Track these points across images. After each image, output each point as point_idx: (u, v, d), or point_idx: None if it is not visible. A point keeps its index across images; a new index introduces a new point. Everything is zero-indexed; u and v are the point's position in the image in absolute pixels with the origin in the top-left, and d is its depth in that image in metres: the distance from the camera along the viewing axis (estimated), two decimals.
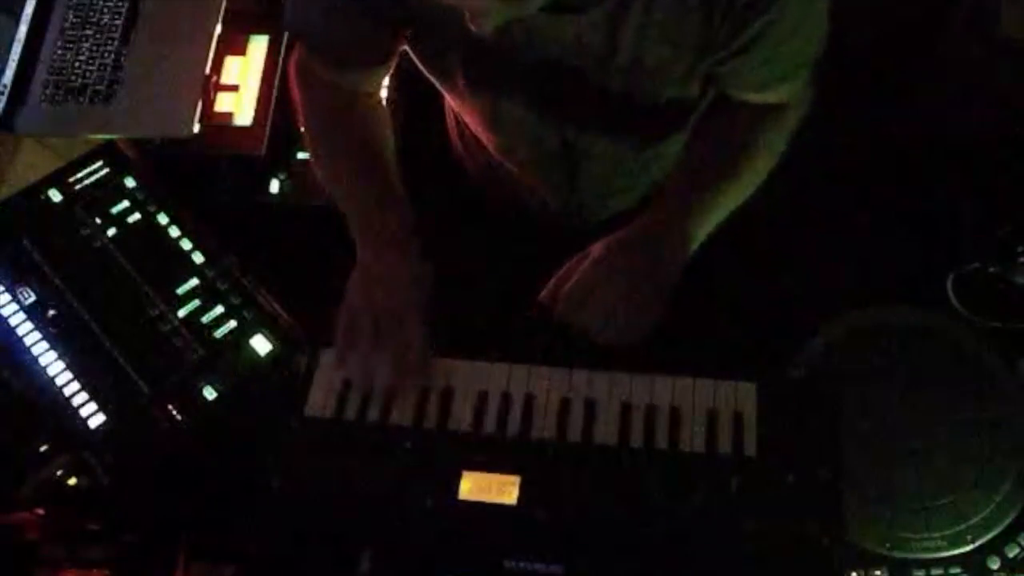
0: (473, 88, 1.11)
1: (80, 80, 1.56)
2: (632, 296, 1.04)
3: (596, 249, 1.09)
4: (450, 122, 1.36)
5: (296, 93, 1.23)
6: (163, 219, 1.33)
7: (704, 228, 1.09)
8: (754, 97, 1.09)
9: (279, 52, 1.55)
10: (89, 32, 1.60)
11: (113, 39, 1.59)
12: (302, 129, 1.24)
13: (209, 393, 1.20)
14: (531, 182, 1.28)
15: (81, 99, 1.54)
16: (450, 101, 1.25)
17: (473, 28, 0.86)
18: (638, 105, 1.07)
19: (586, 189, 1.26)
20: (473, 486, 0.99)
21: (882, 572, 1.03)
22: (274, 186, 1.46)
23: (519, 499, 0.98)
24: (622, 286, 1.04)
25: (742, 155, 1.11)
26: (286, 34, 1.55)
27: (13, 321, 1.25)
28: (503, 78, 1.07)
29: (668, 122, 1.16)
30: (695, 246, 1.09)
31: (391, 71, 1.19)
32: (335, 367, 1.08)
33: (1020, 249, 1.23)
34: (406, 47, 1.13)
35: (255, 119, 1.51)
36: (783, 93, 1.08)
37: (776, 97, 1.09)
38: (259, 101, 1.52)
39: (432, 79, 1.18)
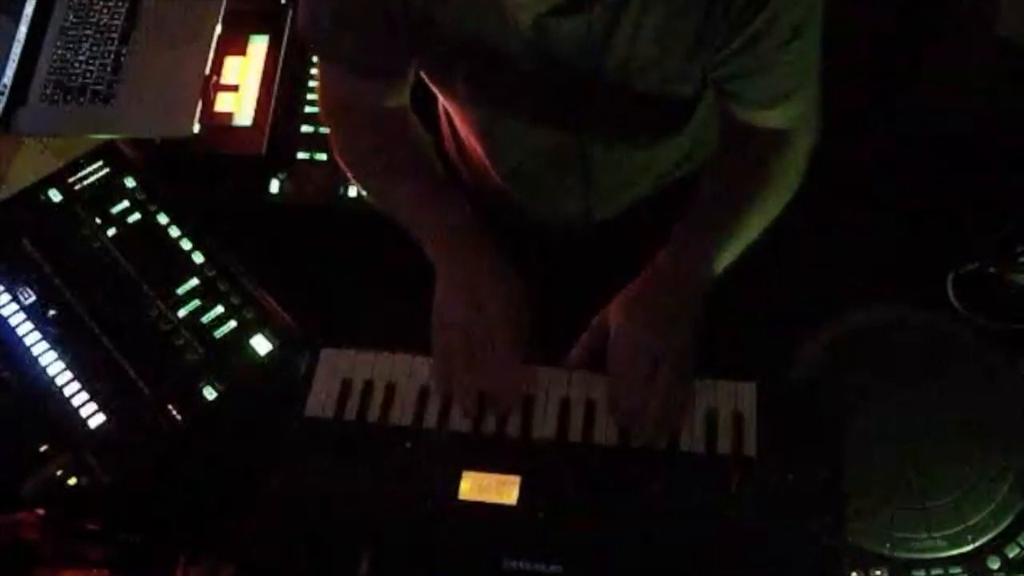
0: (474, 94, 1.10)
1: (80, 80, 1.56)
2: (668, 357, 1.01)
3: (615, 315, 1.05)
4: (444, 127, 1.36)
5: (331, 131, 1.22)
6: (163, 219, 1.33)
7: (720, 264, 1.07)
8: (759, 118, 1.07)
9: (279, 52, 1.55)
10: (89, 32, 1.60)
11: (113, 39, 1.59)
12: (343, 164, 1.22)
13: (209, 393, 1.20)
14: (531, 185, 1.28)
15: (81, 99, 1.54)
16: (448, 108, 1.25)
17: (511, 23, 0.85)
18: (635, 102, 1.07)
19: (592, 187, 1.26)
20: (473, 486, 0.99)
21: (882, 572, 1.03)
22: (274, 186, 1.46)
23: (519, 499, 0.97)
24: (653, 349, 1.01)
25: (753, 187, 1.09)
26: (287, 35, 1.55)
27: (13, 321, 1.25)
28: (505, 82, 1.07)
29: (668, 120, 1.16)
30: (712, 281, 1.07)
31: (410, 82, 1.17)
32: (436, 389, 1.05)
33: (1020, 249, 1.23)
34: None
35: (255, 119, 1.51)
36: (787, 115, 1.07)
37: (780, 119, 1.07)
38: (259, 101, 1.52)
39: (434, 88, 1.17)
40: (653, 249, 1.09)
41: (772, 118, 1.07)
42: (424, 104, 1.24)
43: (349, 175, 1.23)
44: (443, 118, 1.34)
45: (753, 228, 1.09)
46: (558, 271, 1.18)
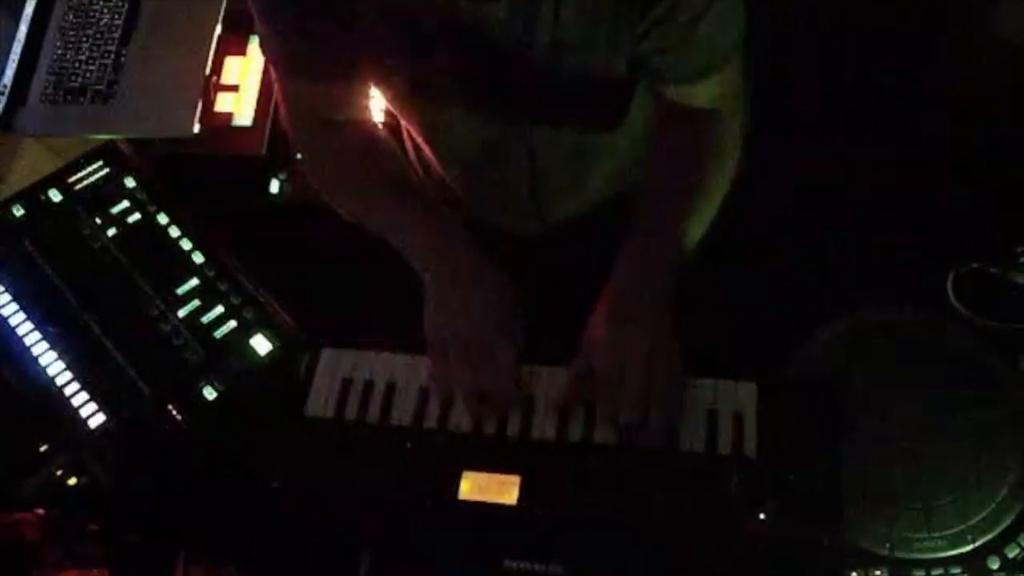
0: (414, 92, 1.10)
1: (80, 80, 1.56)
2: (659, 355, 1.00)
3: (597, 329, 1.04)
4: (406, 140, 1.35)
5: (304, 158, 1.21)
6: (163, 219, 1.33)
7: (685, 251, 1.07)
8: (685, 95, 1.09)
9: None
10: (89, 32, 1.60)
11: (113, 39, 1.59)
12: (316, 184, 1.21)
13: (209, 393, 1.20)
14: (480, 183, 1.27)
15: (81, 99, 1.55)
16: (392, 110, 1.24)
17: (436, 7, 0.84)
18: (568, 86, 1.07)
19: (542, 184, 1.25)
20: (473, 486, 0.99)
21: (882, 572, 1.03)
22: (274, 186, 1.46)
23: (519, 499, 0.97)
24: (643, 352, 1.00)
25: (697, 168, 1.10)
26: None
27: (13, 321, 1.25)
28: (433, 71, 1.06)
29: (606, 105, 1.16)
30: (680, 270, 1.06)
31: (363, 91, 1.16)
32: (436, 393, 1.05)
33: (1020, 249, 1.23)
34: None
35: (255, 119, 1.51)
36: (711, 92, 1.08)
37: (705, 96, 1.08)
38: (259, 101, 1.53)
39: (379, 91, 1.17)
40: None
41: (697, 94, 1.08)
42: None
43: (327, 198, 1.21)
44: (404, 131, 1.33)
45: (706, 210, 1.10)
46: (525, 277, 1.17)
